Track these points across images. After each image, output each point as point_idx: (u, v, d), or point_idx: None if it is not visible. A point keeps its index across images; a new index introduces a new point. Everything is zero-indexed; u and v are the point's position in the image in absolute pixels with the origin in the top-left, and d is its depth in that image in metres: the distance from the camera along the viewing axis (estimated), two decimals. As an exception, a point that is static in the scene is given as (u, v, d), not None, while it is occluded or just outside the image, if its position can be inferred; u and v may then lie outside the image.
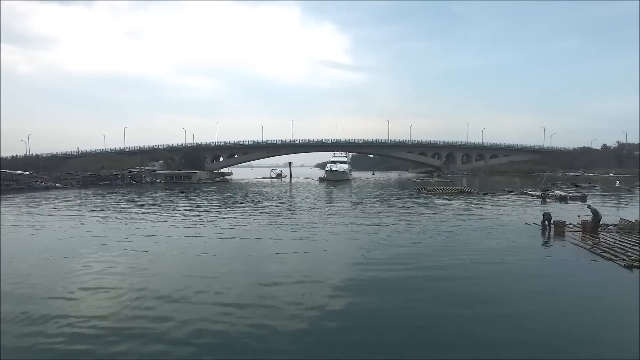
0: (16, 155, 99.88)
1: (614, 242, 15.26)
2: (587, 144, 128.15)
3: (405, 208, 28.74)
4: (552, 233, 17.77)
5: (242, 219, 23.96)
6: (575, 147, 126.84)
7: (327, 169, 78.24)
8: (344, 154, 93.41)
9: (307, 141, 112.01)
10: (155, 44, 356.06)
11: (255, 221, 22.91)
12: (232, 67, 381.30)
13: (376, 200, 35.54)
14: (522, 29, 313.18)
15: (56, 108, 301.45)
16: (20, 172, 64.21)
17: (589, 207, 18.74)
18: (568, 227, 18.61)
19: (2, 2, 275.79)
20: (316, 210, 28.36)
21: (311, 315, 8.57)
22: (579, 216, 19.03)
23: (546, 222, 18.46)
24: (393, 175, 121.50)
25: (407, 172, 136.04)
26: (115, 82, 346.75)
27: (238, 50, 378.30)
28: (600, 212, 18.21)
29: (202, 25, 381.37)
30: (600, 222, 18.16)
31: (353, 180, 78.52)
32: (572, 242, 15.78)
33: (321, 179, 77.38)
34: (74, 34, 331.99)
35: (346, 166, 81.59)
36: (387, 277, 11.34)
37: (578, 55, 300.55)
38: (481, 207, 28.54)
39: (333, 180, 72.31)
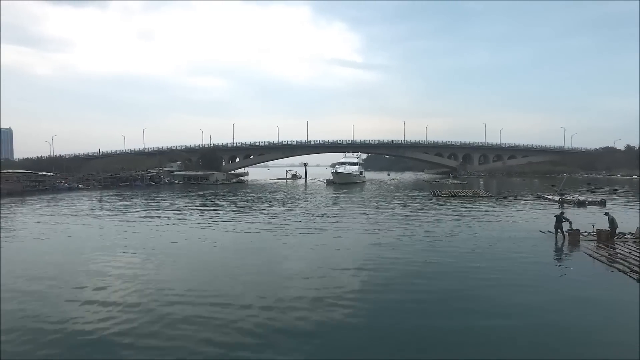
0: (41, 156, 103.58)
1: (629, 253, 15.13)
2: (609, 144, 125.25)
3: (418, 215, 28.60)
4: (565, 242, 17.69)
5: (253, 224, 24.50)
6: (597, 147, 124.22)
7: (333, 170, 73.87)
8: (355, 154, 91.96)
9: (322, 142, 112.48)
10: (167, 45, 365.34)
11: (261, 231, 23.32)
12: (243, 66, 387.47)
13: (386, 209, 32.19)
14: (533, 26, 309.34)
15: (75, 109, 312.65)
16: (46, 173, 66.55)
17: (606, 214, 18.48)
18: (583, 234, 18.49)
19: (17, 4, 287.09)
20: (325, 217, 28.64)
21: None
22: (593, 225, 18.83)
23: (559, 230, 18.43)
24: (408, 176, 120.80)
25: (423, 173, 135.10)
26: (129, 83, 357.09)
27: (249, 50, 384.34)
28: (619, 218, 18.00)
29: (212, 25, 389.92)
30: (617, 231, 17.99)
31: (364, 183, 74.78)
32: (585, 253, 15.69)
33: (328, 182, 73.50)
34: (87, 36, 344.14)
35: (355, 168, 77.22)
36: (394, 306, 10.20)
37: (594, 52, 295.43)
38: (497, 213, 28.22)
39: (339, 183, 68.25)
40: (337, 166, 76.46)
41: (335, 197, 46.97)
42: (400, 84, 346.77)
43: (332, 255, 15.99)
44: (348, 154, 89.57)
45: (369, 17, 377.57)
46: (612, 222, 17.61)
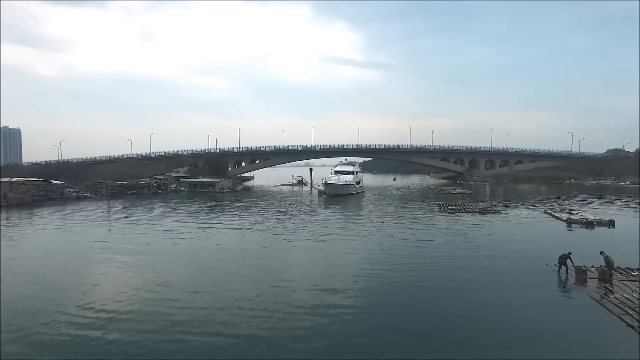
0: (49, 161, 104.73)
1: (638, 298, 15.01)
2: (618, 145, 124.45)
3: (423, 240, 28.23)
4: (572, 281, 17.59)
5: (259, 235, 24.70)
6: (607, 148, 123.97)
7: (323, 181, 66.71)
8: (354, 160, 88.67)
9: (328, 147, 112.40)
10: (168, 45, 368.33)
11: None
12: (244, 66, 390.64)
13: (386, 240, 27.06)
14: (535, 25, 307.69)
15: (79, 108, 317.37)
16: (54, 181, 67.25)
17: (601, 253, 18.30)
18: (590, 271, 18.40)
19: (17, 4, 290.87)
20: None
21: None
22: (601, 265, 18.60)
23: (562, 266, 18.53)
24: (414, 180, 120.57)
25: (428, 177, 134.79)
26: (132, 83, 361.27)
27: (250, 49, 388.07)
28: (628, 240, 17.76)
29: (213, 24, 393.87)
30: (616, 267, 18.05)
31: (362, 194, 67.85)
32: (590, 296, 15.58)
33: (320, 192, 67.95)
34: (88, 36, 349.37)
35: (351, 178, 68.34)
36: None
37: (599, 51, 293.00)
38: (502, 238, 27.63)
39: (330, 195, 61.63)
40: (328, 177, 68.36)
41: (325, 219, 38.14)
42: (402, 83, 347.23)
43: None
44: (344, 162, 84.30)
45: (369, 16, 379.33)
46: (608, 261, 17.65)
